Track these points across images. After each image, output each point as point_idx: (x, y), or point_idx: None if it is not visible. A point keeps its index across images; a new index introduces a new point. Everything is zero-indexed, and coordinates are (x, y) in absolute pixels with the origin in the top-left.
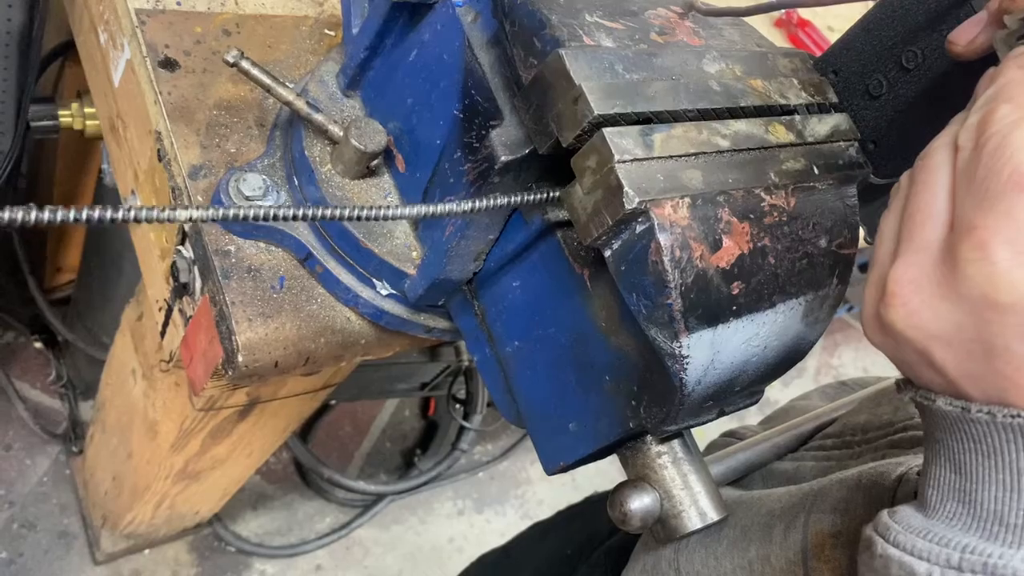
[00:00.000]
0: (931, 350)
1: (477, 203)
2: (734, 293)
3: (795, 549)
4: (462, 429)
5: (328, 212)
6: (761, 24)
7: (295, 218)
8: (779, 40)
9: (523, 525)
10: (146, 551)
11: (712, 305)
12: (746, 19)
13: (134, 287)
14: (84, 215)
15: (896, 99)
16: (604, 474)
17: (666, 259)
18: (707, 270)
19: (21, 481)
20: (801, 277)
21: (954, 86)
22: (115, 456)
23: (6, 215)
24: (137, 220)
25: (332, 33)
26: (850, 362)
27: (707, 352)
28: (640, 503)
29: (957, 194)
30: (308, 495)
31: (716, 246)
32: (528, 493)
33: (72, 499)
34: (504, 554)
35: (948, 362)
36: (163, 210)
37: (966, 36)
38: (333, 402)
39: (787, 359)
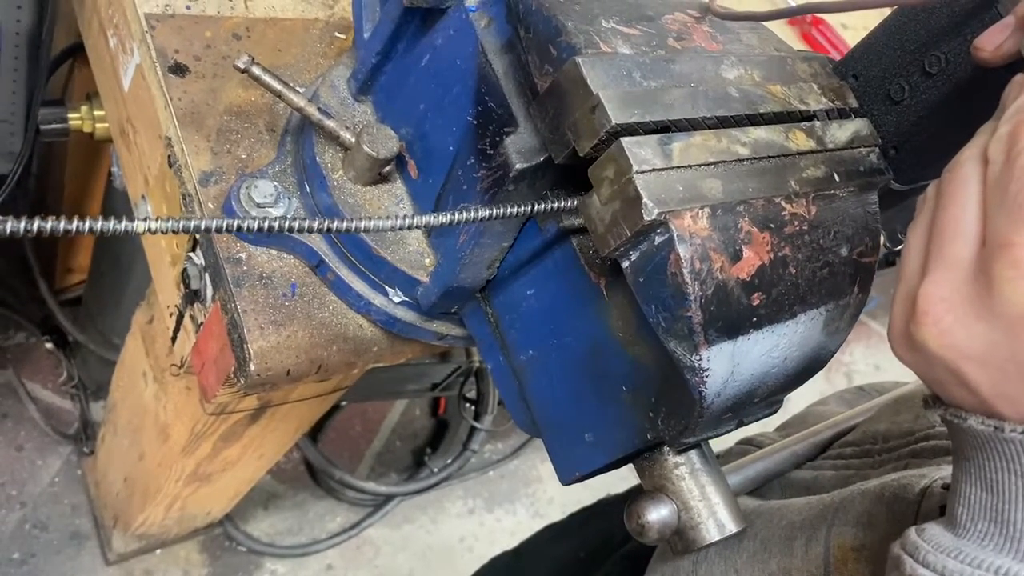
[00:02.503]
0: (964, 370)
1: (493, 211)
2: (754, 304)
3: (817, 563)
4: (473, 429)
5: (354, 224)
6: (774, 23)
7: (311, 230)
8: (793, 39)
9: (534, 524)
10: (158, 551)
11: (732, 317)
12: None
13: (144, 289)
14: (111, 226)
15: (918, 104)
16: (615, 474)
17: (686, 271)
18: (727, 282)
19: (33, 482)
20: (822, 287)
21: (979, 92)
22: (127, 458)
23: (7, 226)
24: (158, 231)
25: (343, 36)
26: (861, 359)
27: (727, 364)
28: (658, 515)
29: (988, 209)
30: (319, 495)
31: (736, 257)
32: (539, 492)
33: (84, 500)
34: (516, 556)
35: (982, 382)
36: (177, 220)
37: (992, 41)
38: (343, 403)
39: (807, 369)
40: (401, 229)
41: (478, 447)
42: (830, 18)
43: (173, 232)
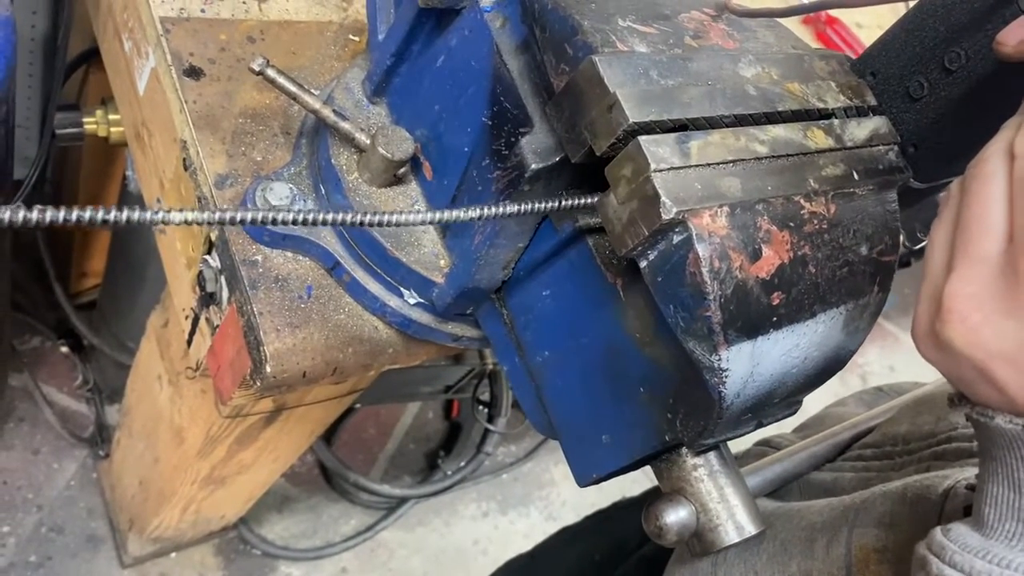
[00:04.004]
0: (992, 368)
1: (511, 208)
2: (774, 304)
3: (838, 564)
4: (486, 432)
5: (368, 219)
6: (789, 22)
7: (324, 223)
8: (808, 38)
9: (548, 527)
10: (173, 554)
11: (752, 317)
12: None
13: (159, 293)
14: (137, 217)
15: (938, 101)
16: (630, 477)
17: (704, 270)
18: (747, 281)
19: (49, 485)
20: (842, 286)
21: (1000, 88)
22: (142, 461)
23: (28, 215)
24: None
25: (356, 39)
26: (876, 360)
27: (746, 365)
28: (676, 517)
29: (1015, 204)
30: (333, 497)
31: (756, 256)
32: (552, 495)
33: (99, 503)
34: (531, 559)
35: (1010, 380)
36: (192, 211)
37: (1015, 36)
38: (357, 406)
39: (827, 369)
40: (422, 224)
41: (492, 450)
42: (845, 17)
43: (199, 223)
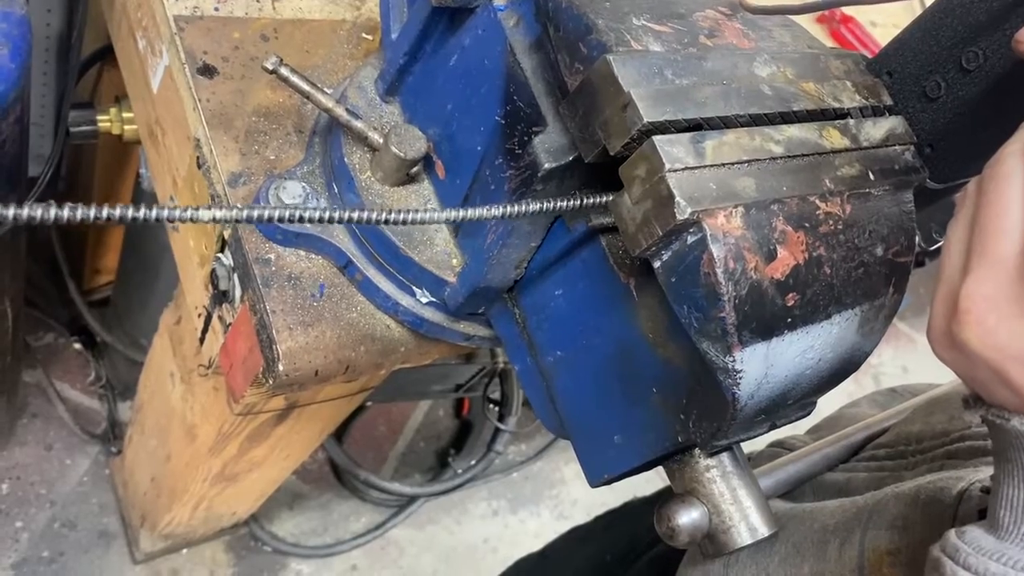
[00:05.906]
0: (1008, 369)
1: (533, 206)
2: (789, 305)
3: (851, 566)
4: (497, 430)
5: (382, 216)
6: (803, 20)
7: (336, 220)
8: (821, 36)
9: (558, 526)
10: (184, 551)
11: (767, 318)
12: (792, 17)
13: (171, 290)
14: (154, 215)
15: (955, 101)
16: (641, 476)
17: (719, 271)
18: (761, 282)
19: (62, 481)
20: (857, 287)
21: (1018, 88)
22: (154, 458)
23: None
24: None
25: (369, 37)
26: (889, 361)
27: (761, 366)
28: (688, 518)
29: None
30: (343, 495)
31: (771, 257)
32: (563, 493)
33: (111, 499)
34: (541, 559)
35: None
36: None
37: None
38: (368, 403)
39: (841, 371)
40: (441, 223)
41: (502, 448)
42: (859, 15)
43: (227, 221)
